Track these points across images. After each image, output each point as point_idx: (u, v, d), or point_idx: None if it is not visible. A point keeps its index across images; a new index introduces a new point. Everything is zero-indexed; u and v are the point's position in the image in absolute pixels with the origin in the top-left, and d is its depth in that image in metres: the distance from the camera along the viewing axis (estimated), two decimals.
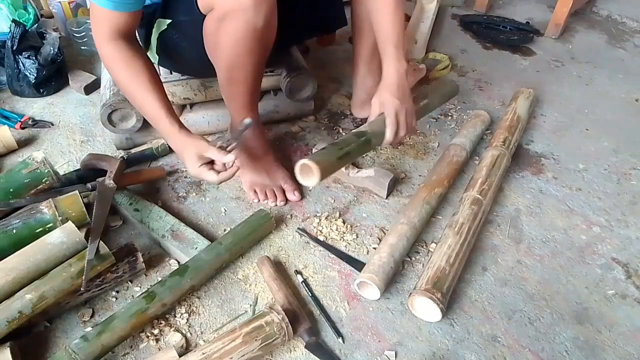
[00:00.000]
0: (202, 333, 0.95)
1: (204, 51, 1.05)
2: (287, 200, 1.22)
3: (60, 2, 1.74)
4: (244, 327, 0.87)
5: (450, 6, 2.18)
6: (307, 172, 0.95)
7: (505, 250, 1.14)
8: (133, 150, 1.31)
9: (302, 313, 0.96)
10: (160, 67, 1.27)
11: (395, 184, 1.27)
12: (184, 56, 1.17)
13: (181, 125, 1.01)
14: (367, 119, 1.44)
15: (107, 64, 1.00)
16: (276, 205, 1.21)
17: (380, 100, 1.07)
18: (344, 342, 0.95)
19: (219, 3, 0.94)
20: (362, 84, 1.42)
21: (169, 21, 1.08)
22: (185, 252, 1.04)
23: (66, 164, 1.30)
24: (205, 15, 0.99)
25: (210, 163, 0.99)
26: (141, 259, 1.00)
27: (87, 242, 0.92)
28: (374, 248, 1.12)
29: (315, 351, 0.92)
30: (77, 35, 1.69)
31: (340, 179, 1.28)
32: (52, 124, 1.42)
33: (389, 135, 1.06)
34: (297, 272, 1.07)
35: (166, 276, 0.97)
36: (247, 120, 1.04)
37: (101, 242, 0.93)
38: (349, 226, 1.17)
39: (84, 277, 0.90)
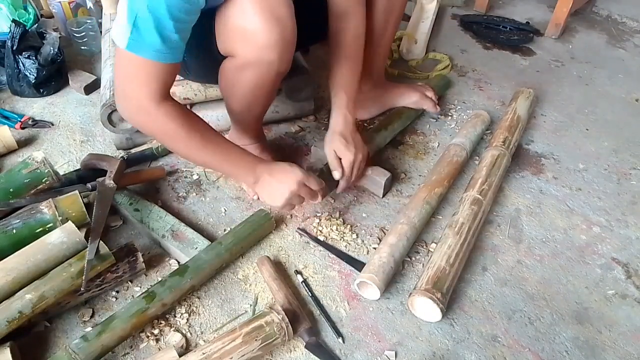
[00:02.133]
0: (202, 333, 0.95)
1: (212, 73, 1.05)
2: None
3: (60, 2, 1.74)
4: (244, 327, 0.87)
5: (450, 6, 2.18)
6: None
7: (505, 250, 1.14)
8: (133, 150, 1.31)
9: (302, 313, 0.96)
10: None
11: (392, 183, 1.27)
12: (189, 67, 1.17)
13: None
14: (364, 120, 1.46)
15: (165, 126, 0.90)
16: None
17: (335, 149, 1.11)
18: (344, 342, 0.95)
19: (241, 53, 0.92)
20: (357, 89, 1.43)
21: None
22: (185, 252, 1.04)
23: (66, 164, 1.30)
24: (222, 55, 0.97)
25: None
26: (141, 259, 1.01)
27: (87, 242, 0.92)
28: (374, 248, 1.12)
29: (315, 351, 0.92)
30: (77, 35, 1.69)
31: None
32: (52, 124, 1.42)
33: (342, 185, 1.15)
34: (297, 272, 1.07)
35: (166, 276, 0.97)
36: None
37: (101, 242, 0.94)
38: (349, 226, 1.17)
39: (84, 277, 0.90)
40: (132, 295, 1.01)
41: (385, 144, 1.37)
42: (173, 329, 0.96)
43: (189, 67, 1.16)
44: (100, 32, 1.68)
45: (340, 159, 1.12)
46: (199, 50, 0.99)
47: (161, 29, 0.79)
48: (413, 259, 1.11)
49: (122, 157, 1.25)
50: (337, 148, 1.11)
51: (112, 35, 0.84)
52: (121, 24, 0.80)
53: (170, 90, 1.24)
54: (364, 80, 1.34)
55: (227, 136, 1.28)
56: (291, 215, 1.19)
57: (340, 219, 1.18)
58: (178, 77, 1.26)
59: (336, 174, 1.13)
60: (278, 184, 0.99)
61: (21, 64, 1.48)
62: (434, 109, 1.46)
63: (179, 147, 0.97)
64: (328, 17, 1.09)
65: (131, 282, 1.03)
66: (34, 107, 1.50)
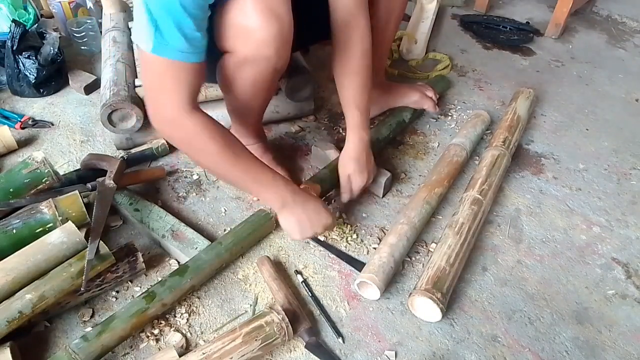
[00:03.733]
0: (202, 333, 0.95)
1: (211, 70, 1.04)
2: None
3: (60, 2, 1.74)
4: (244, 327, 0.87)
5: (450, 6, 2.18)
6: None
7: (505, 250, 1.14)
8: (133, 150, 1.31)
9: (302, 313, 0.96)
10: None
11: (392, 183, 1.27)
12: None
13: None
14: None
15: (198, 138, 0.88)
16: None
17: (349, 174, 1.13)
18: (344, 342, 0.95)
19: (239, 49, 0.92)
20: None
21: None
22: (185, 252, 1.04)
23: (66, 164, 1.30)
24: (220, 52, 0.97)
25: None
26: (141, 259, 1.01)
27: (87, 242, 0.92)
28: (374, 248, 1.12)
29: (315, 351, 0.92)
30: (77, 35, 1.69)
31: None
32: (52, 124, 1.42)
33: (345, 199, 1.18)
34: (297, 272, 1.07)
35: (166, 276, 0.97)
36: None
37: (101, 242, 0.94)
38: (349, 226, 1.17)
39: (84, 277, 0.90)
40: (132, 295, 1.01)
41: (385, 144, 1.37)
42: (173, 329, 0.96)
43: None
44: (100, 32, 1.68)
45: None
46: None
47: (183, 29, 0.79)
48: (413, 259, 1.11)
49: (122, 157, 1.25)
50: (351, 174, 1.13)
51: (134, 40, 0.84)
52: (143, 28, 0.79)
53: None
54: None
55: None
56: None
57: (340, 219, 1.18)
58: None
59: (345, 197, 1.17)
60: (306, 222, 1.00)
61: (21, 64, 1.48)
62: (434, 109, 1.46)
63: (207, 162, 0.95)
64: (330, 21, 1.09)
65: (131, 282, 1.03)
66: (34, 107, 1.50)
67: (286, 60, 0.97)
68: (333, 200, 1.21)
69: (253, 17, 0.86)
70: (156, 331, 0.94)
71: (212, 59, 1.02)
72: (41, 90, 1.52)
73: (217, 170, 0.98)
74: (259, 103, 1.12)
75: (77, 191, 1.03)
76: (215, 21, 0.91)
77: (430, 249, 1.13)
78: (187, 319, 0.97)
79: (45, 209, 0.97)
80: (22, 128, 1.40)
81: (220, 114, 1.33)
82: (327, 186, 1.18)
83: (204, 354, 0.83)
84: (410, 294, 0.98)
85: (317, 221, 1.01)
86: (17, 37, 1.45)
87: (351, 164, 1.12)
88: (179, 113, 0.85)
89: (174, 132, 0.90)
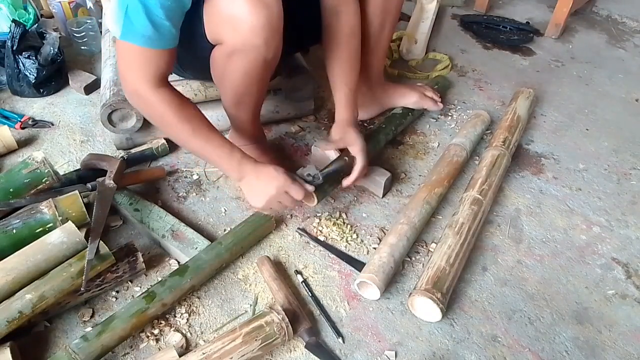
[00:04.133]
0: (202, 333, 0.95)
1: (206, 67, 1.05)
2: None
3: (60, 2, 1.74)
4: (244, 327, 0.87)
5: (450, 6, 2.18)
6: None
7: (505, 250, 1.14)
8: (133, 150, 1.31)
9: (302, 313, 0.96)
10: None
11: (392, 183, 1.27)
12: (184, 64, 1.17)
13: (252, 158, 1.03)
14: (364, 120, 1.46)
15: (157, 111, 0.94)
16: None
17: (345, 135, 1.14)
18: (344, 342, 0.95)
19: (229, 39, 0.93)
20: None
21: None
22: (185, 252, 1.04)
23: (66, 164, 1.30)
24: (211, 44, 0.98)
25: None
26: (141, 259, 1.01)
27: (87, 242, 0.92)
28: (374, 248, 1.12)
29: (315, 351, 0.92)
30: (77, 35, 1.69)
31: None
32: (52, 124, 1.42)
33: (359, 167, 1.13)
34: (297, 272, 1.07)
35: (166, 276, 0.97)
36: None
37: (101, 242, 0.94)
38: (349, 226, 1.17)
39: (84, 277, 0.90)
40: (132, 295, 1.01)
41: (385, 144, 1.37)
42: (173, 329, 0.96)
43: (184, 63, 1.16)
44: (100, 32, 1.68)
45: (343, 150, 1.15)
46: (190, 42, 1.00)
47: (151, 17, 0.83)
48: (413, 259, 1.11)
49: (122, 157, 1.25)
50: (350, 135, 1.13)
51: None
52: (114, 14, 0.84)
53: None
54: (363, 81, 1.34)
55: (227, 137, 1.28)
56: (291, 215, 1.19)
57: (340, 219, 1.18)
58: (178, 77, 1.28)
59: (331, 153, 1.17)
60: (260, 186, 1.01)
61: (21, 64, 1.48)
62: (436, 107, 1.46)
63: (170, 133, 1.01)
64: (321, 3, 1.10)
65: (131, 282, 1.03)
66: (34, 107, 1.50)
67: (276, 51, 0.97)
68: (333, 200, 1.21)
69: (241, 6, 0.87)
70: (156, 331, 0.94)
71: (206, 53, 1.03)
72: (41, 90, 1.52)
73: (179, 141, 1.04)
74: (252, 98, 1.12)
75: (77, 191, 1.03)
76: (205, 13, 0.92)
77: (430, 249, 1.13)
78: (187, 319, 0.97)
79: (45, 209, 0.97)
80: (22, 128, 1.40)
81: (221, 114, 1.34)
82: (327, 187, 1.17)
83: (204, 354, 0.83)
84: (410, 294, 0.98)
85: (269, 184, 1.00)
86: (17, 37, 1.45)
87: (344, 127, 1.14)
88: (143, 89, 0.91)
89: (139, 104, 0.96)
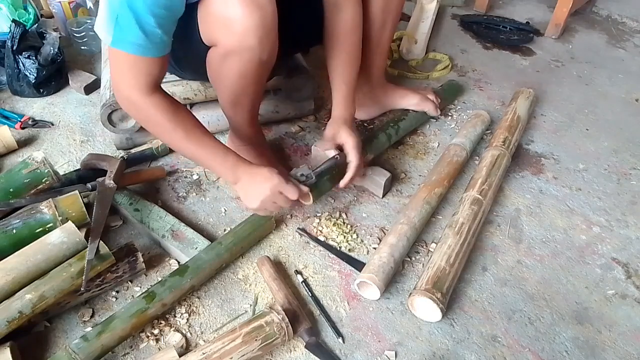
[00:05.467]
0: (202, 333, 0.95)
1: (203, 68, 1.05)
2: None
3: (60, 2, 1.73)
4: (244, 327, 0.87)
5: (450, 6, 2.17)
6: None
7: (505, 250, 1.14)
8: (133, 150, 1.31)
9: (302, 313, 0.96)
10: None
11: (392, 183, 1.27)
12: (183, 65, 1.17)
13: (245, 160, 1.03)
14: (363, 121, 1.46)
15: (150, 116, 0.94)
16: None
17: (340, 133, 1.12)
18: (344, 342, 0.95)
19: (223, 41, 0.93)
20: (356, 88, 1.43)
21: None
22: (185, 252, 1.04)
23: (66, 164, 1.30)
24: (206, 45, 0.98)
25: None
26: (141, 259, 1.01)
27: (87, 242, 0.92)
28: (374, 248, 1.12)
29: (315, 351, 0.92)
30: (77, 35, 1.69)
31: None
32: (52, 124, 1.42)
33: (354, 166, 1.11)
34: (297, 272, 1.07)
35: (166, 276, 0.97)
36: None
37: (101, 242, 0.94)
38: (349, 226, 1.17)
39: (84, 277, 0.90)
40: (132, 295, 1.01)
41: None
42: (173, 329, 0.96)
43: (182, 63, 1.16)
44: None
45: (339, 146, 1.14)
46: (187, 44, 1.00)
47: (142, 25, 0.82)
48: (413, 259, 1.11)
49: (122, 157, 1.25)
50: (343, 132, 1.12)
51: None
52: (104, 21, 0.83)
53: (170, 90, 1.26)
54: (364, 81, 1.34)
55: (226, 138, 1.28)
56: (291, 215, 1.19)
57: (340, 219, 1.18)
58: (178, 77, 1.28)
59: (331, 152, 1.15)
60: (255, 188, 1.00)
61: (21, 64, 1.48)
62: (435, 112, 1.45)
63: (163, 137, 1.02)
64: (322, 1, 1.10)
65: (131, 282, 1.03)
66: (34, 107, 1.50)
67: (271, 51, 0.97)
68: (333, 200, 1.21)
69: (234, 7, 0.87)
70: (156, 331, 0.94)
71: (202, 54, 1.03)
72: (41, 90, 1.52)
73: (173, 146, 1.04)
74: (248, 99, 1.11)
75: (77, 191, 1.03)
76: (199, 15, 0.92)
77: (430, 249, 1.13)
78: (187, 319, 0.97)
79: (45, 209, 0.97)
80: (22, 128, 1.40)
81: (221, 114, 1.34)
82: (324, 185, 1.17)
83: (204, 354, 0.83)
84: (410, 294, 0.98)
85: (264, 185, 0.99)
86: (17, 37, 1.45)
87: (339, 124, 1.13)
88: (136, 95, 0.91)
89: (132, 110, 0.96)
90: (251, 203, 1.03)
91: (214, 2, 0.89)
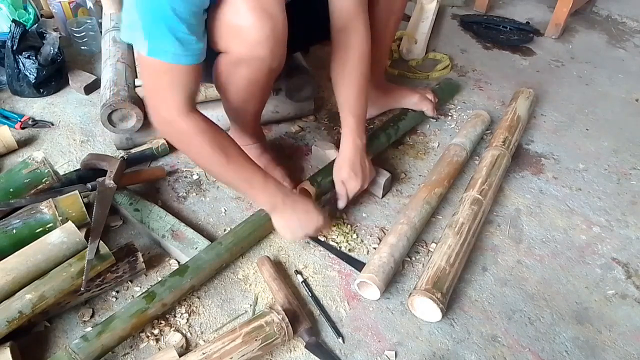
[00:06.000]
0: (202, 333, 0.95)
1: (207, 71, 1.05)
2: None
3: (60, 2, 1.74)
4: (244, 327, 0.87)
5: (450, 6, 2.18)
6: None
7: (505, 250, 1.14)
8: (133, 150, 1.31)
9: (302, 313, 0.96)
10: None
11: (392, 183, 1.27)
12: None
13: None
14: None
15: (192, 141, 0.91)
16: None
17: (343, 179, 1.13)
18: (344, 342, 0.95)
19: (234, 49, 0.93)
20: None
21: None
22: (185, 252, 1.04)
23: (66, 164, 1.30)
24: (213, 49, 0.97)
25: None
26: (141, 259, 1.01)
27: (87, 242, 0.92)
28: (374, 248, 1.12)
29: (315, 351, 0.92)
30: (77, 35, 1.69)
31: None
32: (52, 124, 1.42)
33: (341, 205, 1.16)
34: (297, 272, 1.07)
35: (166, 276, 0.97)
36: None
37: (101, 242, 0.94)
38: (349, 226, 1.17)
39: (84, 277, 0.90)
40: (132, 295, 1.01)
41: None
42: (173, 329, 0.96)
43: None
44: (100, 32, 1.68)
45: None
46: None
47: (175, 33, 0.80)
48: (413, 259, 1.11)
49: (122, 157, 1.25)
50: (345, 179, 1.13)
51: (126, 40, 0.85)
52: (137, 30, 0.81)
53: None
54: None
55: None
56: None
57: (340, 219, 1.18)
58: None
59: (340, 204, 1.16)
60: (297, 223, 1.02)
61: (21, 64, 1.48)
62: (432, 112, 1.45)
63: (201, 162, 0.99)
64: (330, 22, 1.08)
65: (131, 282, 1.03)
66: (34, 107, 1.50)
67: (281, 59, 0.97)
68: (329, 203, 1.21)
69: (246, 17, 0.87)
70: (156, 331, 0.94)
71: (208, 59, 1.03)
72: (41, 90, 1.52)
73: (211, 170, 1.02)
74: (255, 103, 1.12)
75: (77, 191, 1.03)
76: (210, 22, 0.92)
77: (430, 249, 1.13)
78: (187, 319, 0.97)
79: (45, 209, 0.97)
80: (22, 128, 1.40)
81: (221, 114, 1.34)
82: (326, 186, 1.18)
83: (204, 354, 0.83)
84: (410, 294, 0.98)
85: (307, 222, 1.02)
86: (17, 37, 1.45)
87: (345, 169, 1.12)
88: (175, 114, 0.88)
89: (171, 132, 0.94)
90: (289, 235, 1.04)
91: (225, 11, 0.88)
